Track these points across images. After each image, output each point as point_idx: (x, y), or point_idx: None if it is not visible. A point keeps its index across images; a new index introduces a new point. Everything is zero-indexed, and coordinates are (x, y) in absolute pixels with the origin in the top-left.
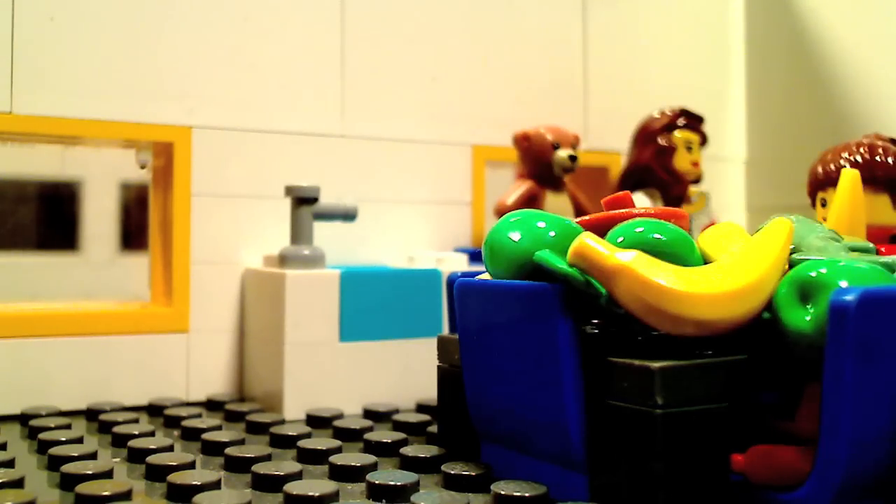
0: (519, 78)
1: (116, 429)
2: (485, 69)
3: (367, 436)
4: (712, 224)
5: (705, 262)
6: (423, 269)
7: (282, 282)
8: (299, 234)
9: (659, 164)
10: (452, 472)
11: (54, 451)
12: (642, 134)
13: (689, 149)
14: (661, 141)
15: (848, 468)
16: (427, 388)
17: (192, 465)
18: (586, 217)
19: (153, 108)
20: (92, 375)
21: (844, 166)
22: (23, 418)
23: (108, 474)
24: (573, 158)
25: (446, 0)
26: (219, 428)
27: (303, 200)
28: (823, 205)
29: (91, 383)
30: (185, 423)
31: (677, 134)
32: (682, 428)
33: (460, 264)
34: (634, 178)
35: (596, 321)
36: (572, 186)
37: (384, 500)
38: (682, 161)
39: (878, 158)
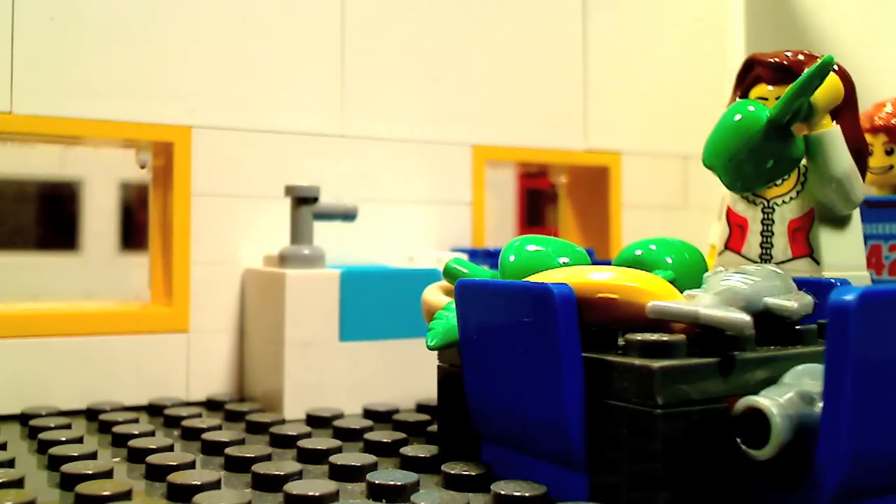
0: (519, 78)
1: (116, 429)
2: (485, 69)
3: (367, 436)
4: None
5: None
6: (423, 269)
7: (282, 281)
8: (299, 233)
9: None
10: (452, 472)
11: (54, 450)
12: None
13: None
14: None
15: (848, 468)
16: (427, 388)
17: (192, 465)
18: None
19: (153, 108)
20: (92, 375)
21: None
22: (23, 418)
23: (108, 474)
24: None
25: (446, 0)
26: (219, 428)
27: (303, 200)
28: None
29: (91, 383)
30: (185, 423)
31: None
32: (682, 428)
33: None
34: None
35: None
36: None
37: (384, 500)
38: None
39: None
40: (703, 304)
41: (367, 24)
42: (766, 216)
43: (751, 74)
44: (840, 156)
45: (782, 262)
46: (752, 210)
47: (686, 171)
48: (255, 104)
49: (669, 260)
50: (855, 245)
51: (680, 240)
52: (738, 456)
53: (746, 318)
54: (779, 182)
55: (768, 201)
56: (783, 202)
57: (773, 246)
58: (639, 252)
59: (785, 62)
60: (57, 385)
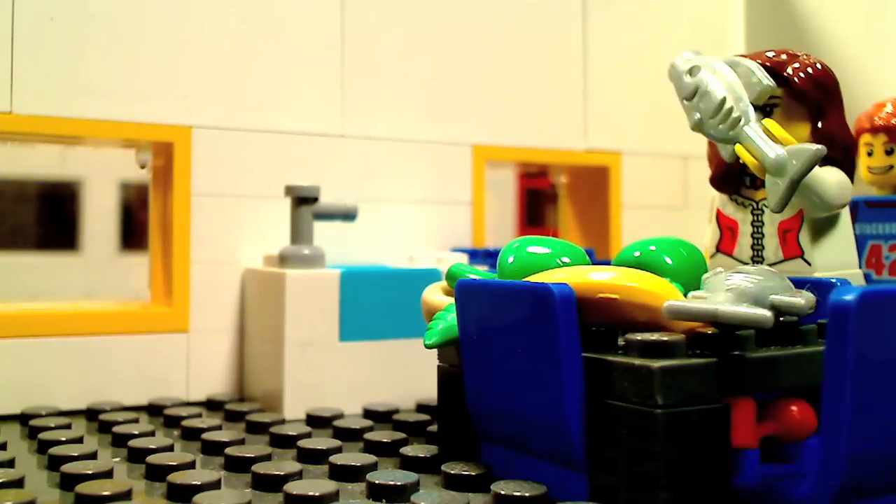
0: (519, 78)
1: (116, 429)
2: (485, 69)
3: (367, 436)
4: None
5: None
6: (423, 269)
7: (282, 281)
8: (299, 233)
9: None
10: (452, 472)
11: (54, 450)
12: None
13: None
14: None
15: (848, 468)
16: (427, 388)
17: (192, 465)
18: None
19: (153, 108)
20: (92, 375)
21: None
22: (23, 418)
23: (108, 474)
24: None
25: (446, 0)
26: (219, 428)
27: (303, 200)
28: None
29: (91, 383)
30: (185, 422)
31: None
32: (682, 428)
33: None
34: None
35: None
36: None
37: (384, 500)
38: None
39: None
40: (719, 301)
41: (367, 24)
42: (755, 218)
43: None
44: (825, 191)
45: (774, 264)
46: (741, 212)
47: (686, 171)
48: (255, 104)
49: (669, 260)
50: (845, 243)
51: (679, 239)
52: None
53: (768, 313)
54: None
55: (757, 203)
56: None
57: (764, 248)
58: (637, 254)
59: (768, 63)
60: (57, 385)
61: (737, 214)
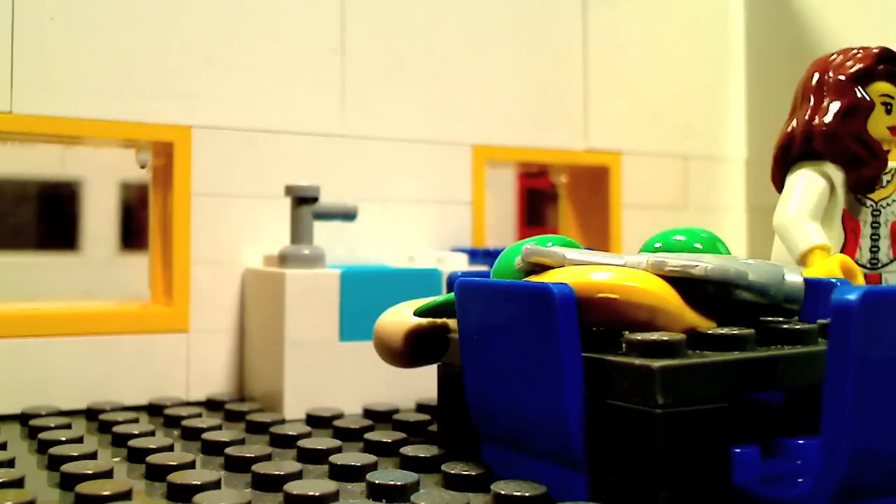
0: (519, 77)
1: (116, 428)
2: (485, 69)
3: (367, 435)
4: None
5: None
6: (424, 269)
7: (282, 281)
8: (299, 233)
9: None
10: (452, 472)
11: (54, 450)
12: (823, 83)
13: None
14: (859, 93)
15: (849, 468)
16: (427, 388)
17: (192, 465)
18: None
19: (153, 108)
20: (92, 375)
21: None
22: (23, 418)
23: (108, 474)
24: None
25: (447, 0)
26: (219, 428)
27: (303, 200)
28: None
29: (91, 383)
30: (185, 422)
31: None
32: (682, 428)
33: (460, 264)
34: (802, 149)
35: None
36: None
37: (384, 500)
38: (878, 125)
39: None
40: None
41: (367, 24)
42: (874, 219)
43: (880, 68)
44: None
45: (886, 265)
46: (863, 213)
47: (686, 171)
48: (255, 104)
49: (699, 246)
50: None
51: (695, 228)
52: None
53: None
54: (884, 183)
55: (876, 203)
56: (886, 204)
57: (879, 249)
58: (658, 245)
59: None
60: (57, 385)
61: (860, 216)
